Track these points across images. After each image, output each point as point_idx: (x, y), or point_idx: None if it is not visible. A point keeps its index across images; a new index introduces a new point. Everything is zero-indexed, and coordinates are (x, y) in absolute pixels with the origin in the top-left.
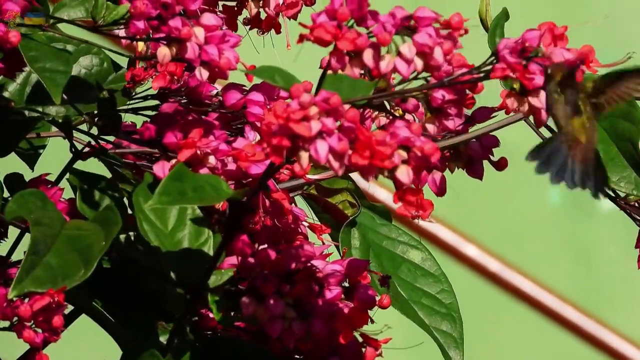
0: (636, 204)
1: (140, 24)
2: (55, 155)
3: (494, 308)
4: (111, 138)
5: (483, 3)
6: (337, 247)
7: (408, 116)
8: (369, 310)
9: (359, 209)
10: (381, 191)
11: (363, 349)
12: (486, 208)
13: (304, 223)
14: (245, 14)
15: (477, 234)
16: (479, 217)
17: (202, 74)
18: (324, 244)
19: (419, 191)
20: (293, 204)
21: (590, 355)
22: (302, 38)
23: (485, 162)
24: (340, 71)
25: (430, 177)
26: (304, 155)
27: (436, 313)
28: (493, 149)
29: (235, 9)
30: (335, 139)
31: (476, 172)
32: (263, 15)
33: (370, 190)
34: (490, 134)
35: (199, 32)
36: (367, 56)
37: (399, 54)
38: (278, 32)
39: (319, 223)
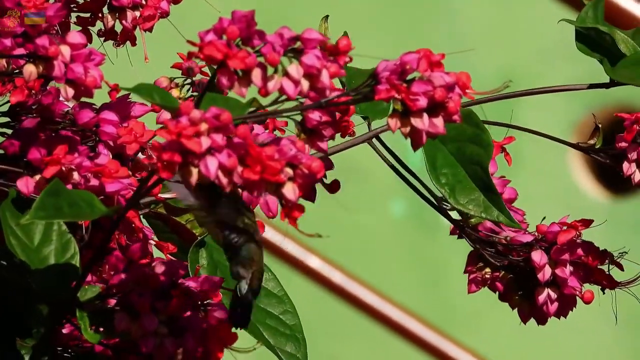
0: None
1: (8, 42)
2: None
3: (338, 320)
4: None
5: (322, 27)
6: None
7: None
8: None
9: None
10: None
11: None
12: (330, 219)
13: (151, 241)
14: (99, 25)
15: (320, 246)
16: (322, 228)
17: (68, 92)
18: None
19: (303, 208)
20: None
21: None
22: (190, 56)
23: None
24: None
25: (262, 200)
26: (194, 171)
27: (280, 334)
28: (327, 171)
29: (90, 19)
30: (225, 155)
31: (308, 196)
32: (118, 28)
33: None
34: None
35: (65, 51)
36: (256, 76)
37: (286, 74)
38: (134, 44)
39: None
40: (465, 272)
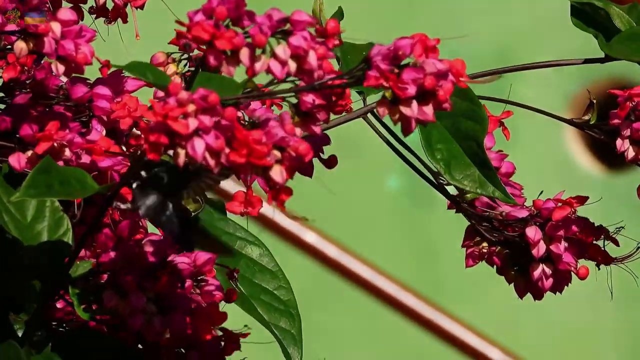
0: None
1: None
2: None
3: (334, 294)
4: None
5: (316, 3)
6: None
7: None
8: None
9: (203, 205)
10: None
11: (222, 344)
12: (324, 194)
13: None
14: (90, 2)
15: (316, 220)
16: (317, 203)
17: (59, 68)
18: None
19: (291, 191)
20: None
21: (429, 342)
22: (179, 36)
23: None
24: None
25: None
26: (181, 153)
27: (275, 310)
28: (324, 147)
29: None
30: (212, 137)
31: (306, 171)
32: (110, 5)
33: None
34: (323, 132)
35: (56, 27)
36: (244, 56)
37: (273, 55)
38: (125, 21)
39: None
40: (462, 246)
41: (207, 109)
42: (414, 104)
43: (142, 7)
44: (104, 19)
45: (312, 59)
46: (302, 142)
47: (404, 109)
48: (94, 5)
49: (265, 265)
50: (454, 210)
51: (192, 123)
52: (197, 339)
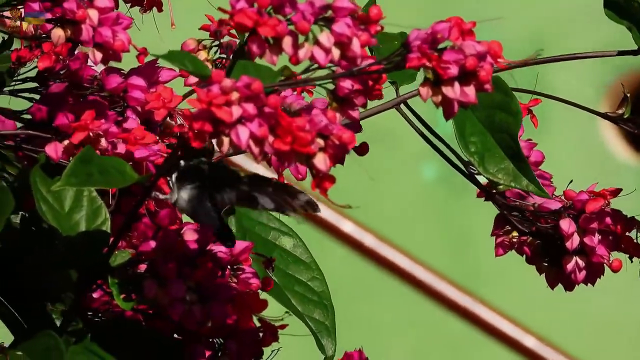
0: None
1: (35, 5)
2: None
3: (371, 283)
4: None
5: None
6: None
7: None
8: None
9: None
10: (257, 168)
11: (261, 334)
12: (361, 184)
13: None
14: None
15: (353, 210)
16: (354, 193)
17: (96, 56)
18: None
19: (334, 179)
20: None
21: (465, 329)
22: (221, 23)
23: None
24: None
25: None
26: (225, 140)
27: (309, 301)
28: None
29: None
30: (256, 125)
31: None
32: None
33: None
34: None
35: (93, 14)
36: (287, 44)
37: (317, 42)
38: (160, 10)
39: None
40: (492, 235)
41: (250, 97)
42: (457, 85)
43: None
44: (139, 7)
45: (356, 46)
46: (346, 130)
47: (447, 90)
48: None
49: (299, 257)
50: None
51: (236, 111)
52: (237, 327)
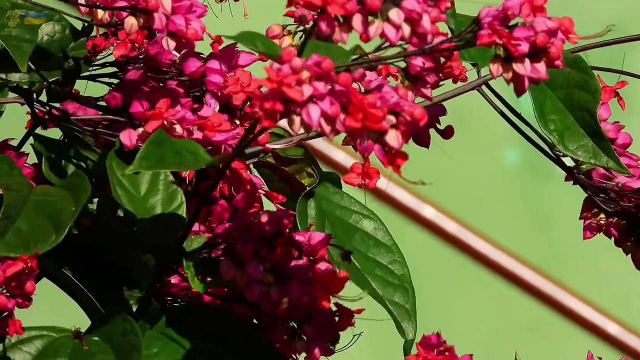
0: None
1: None
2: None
3: (452, 269)
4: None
5: None
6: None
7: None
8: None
9: (317, 179)
10: (338, 152)
11: (336, 318)
12: (443, 169)
13: (260, 191)
14: None
15: (434, 195)
16: (435, 178)
17: (169, 44)
18: None
19: (406, 155)
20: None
21: (547, 315)
22: (290, 2)
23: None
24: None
25: (376, 146)
26: (296, 120)
27: (389, 284)
28: (440, 117)
29: None
30: (327, 103)
31: (423, 141)
32: None
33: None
34: (439, 103)
35: (166, 3)
36: (356, 21)
37: (387, 19)
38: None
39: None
40: (580, 218)
41: (321, 76)
42: (527, 61)
43: None
44: None
45: (426, 22)
46: (417, 107)
47: (517, 67)
48: None
49: (380, 239)
50: (572, 182)
51: (307, 90)
52: (314, 308)
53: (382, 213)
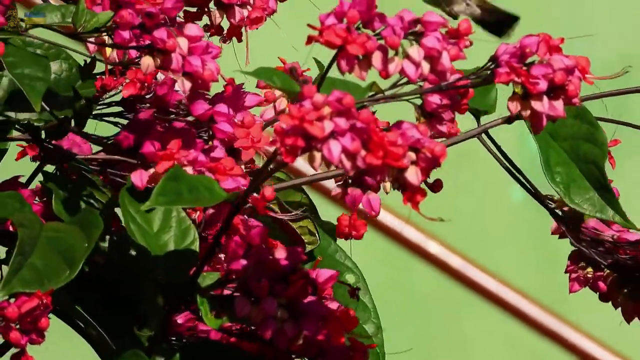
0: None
1: (126, 34)
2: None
3: (457, 304)
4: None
5: None
6: None
7: None
8: None
9: (319, 240)
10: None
11: (351, 354)
12: (448, 205)
13: None
14: (205, 20)
15: (439, 231)
16: (441, 214)
17: (185, 85)
18: None
19: (425, 192)
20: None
21: (553, 352)
22: (310, 40)
23: None
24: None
25: (365, 197)
26: (317, 155)
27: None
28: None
29: (196, 14)
30: (349, 139)
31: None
32: (225, 24)
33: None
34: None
35: (183, 43)
36: (376, 59)
37: (407, 56)
38: (240, 40)
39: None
40: (566, 272)
41: (342, 112)
42: (545, 99)
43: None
44: (219, 37)
45: (446, 60)
46: (437, 143)
47: (535, 104)
48: (209, 22)
49: (360, 296)
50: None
51: (328, 125)
52: (328, 345)
53: (388, 247)
